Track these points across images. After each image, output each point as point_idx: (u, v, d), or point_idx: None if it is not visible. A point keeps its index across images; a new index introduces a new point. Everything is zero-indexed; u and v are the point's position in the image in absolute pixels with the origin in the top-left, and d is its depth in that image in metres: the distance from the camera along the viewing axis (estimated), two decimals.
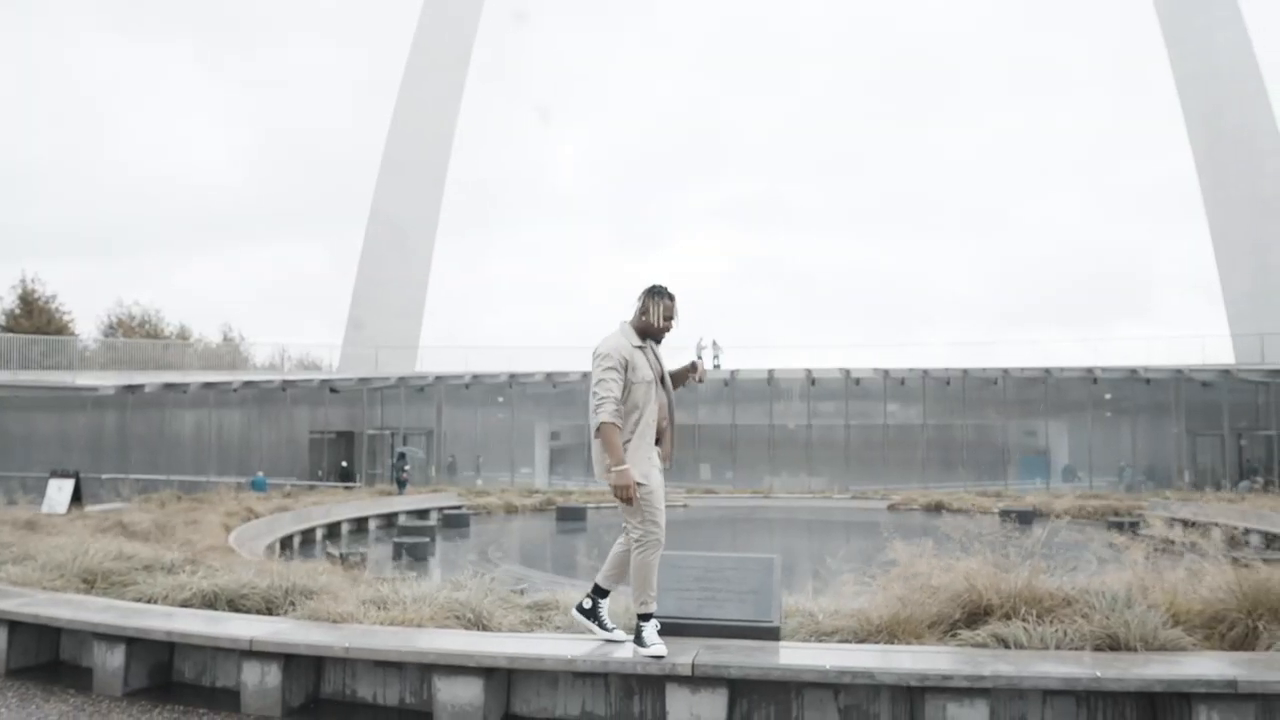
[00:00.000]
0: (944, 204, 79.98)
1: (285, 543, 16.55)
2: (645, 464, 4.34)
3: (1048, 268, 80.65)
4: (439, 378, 30.94)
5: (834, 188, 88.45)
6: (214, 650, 5.17)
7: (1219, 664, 4.17)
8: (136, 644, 5.14)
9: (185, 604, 5.87)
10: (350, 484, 29.16)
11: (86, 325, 45.99)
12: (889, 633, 4.91)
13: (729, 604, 4.79)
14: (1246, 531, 16.26)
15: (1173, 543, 6.76)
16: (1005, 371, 29.36)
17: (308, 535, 18.44)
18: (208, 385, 28.50)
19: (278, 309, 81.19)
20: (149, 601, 5.97)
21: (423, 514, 22.76)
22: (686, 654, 4.26)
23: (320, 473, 30.39)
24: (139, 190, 76.82)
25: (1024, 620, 4.70)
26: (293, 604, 5.79)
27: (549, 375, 31.84)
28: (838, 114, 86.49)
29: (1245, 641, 4.68)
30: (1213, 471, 26.56)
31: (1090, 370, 28.49)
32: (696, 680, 4.18)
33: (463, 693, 4.42)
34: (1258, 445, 26.85)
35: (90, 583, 6.53)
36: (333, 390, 31.09)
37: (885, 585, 5.43)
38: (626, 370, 4.30)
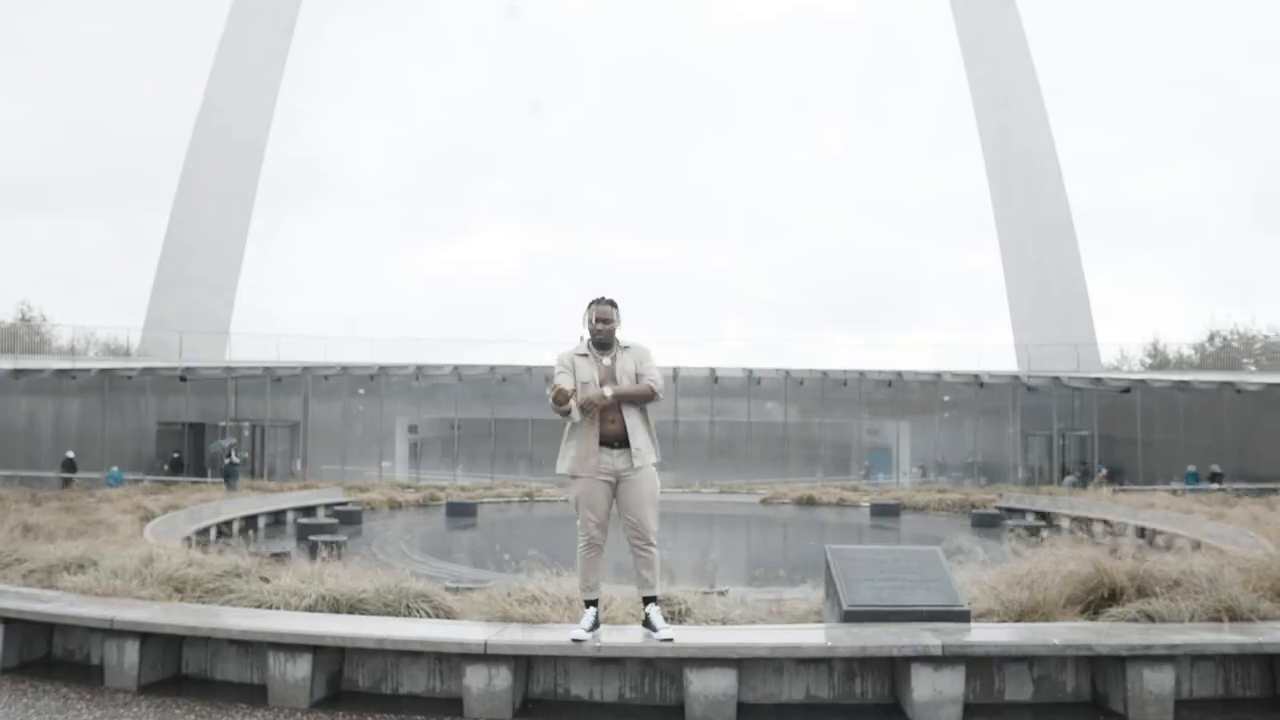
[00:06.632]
0: (727, 209, 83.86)
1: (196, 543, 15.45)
2: (572, 461, 4.88)
3: (829, 274, 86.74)
4: (307, 368, 29.39)
5: (626, 191, 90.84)
6: (402, 655, 5.09)
7: None
8: (321, 653, 5.00)
9: (311, 609, 5.73)
10: (199, 479, 27.14)
11: None
12: (1031, 613, 5.61)
13: (917, 591, 5.31)
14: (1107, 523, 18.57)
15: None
16: (862, 374, 31.60)
17: (210, 530, 17.24)
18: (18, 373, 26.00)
19: (53, 288, 74.20)
20: (270, 608, 5.77)
21: (309, 510, 21.72)
22: (933, 637, 4.74)
23: (166, 466, 28.10)
24: None
25: (1150, 599, 5.53)
26: (408, 607, 5.81)
27: (420, 368, 31.06)
28: (625, 122, 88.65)
29: None
30: (1040, 468, 29.90)
31: (939, 375, 31.22)
32: (941, 660, 4.66)
33: (715, 683, 4.69)
34: (1076, 445, 30.38)
35: (180, 590, 6.15)
36: (182, 379, 28.78)
37: (1004, 574, 6.15)
38: (573, 370, 4.87)
